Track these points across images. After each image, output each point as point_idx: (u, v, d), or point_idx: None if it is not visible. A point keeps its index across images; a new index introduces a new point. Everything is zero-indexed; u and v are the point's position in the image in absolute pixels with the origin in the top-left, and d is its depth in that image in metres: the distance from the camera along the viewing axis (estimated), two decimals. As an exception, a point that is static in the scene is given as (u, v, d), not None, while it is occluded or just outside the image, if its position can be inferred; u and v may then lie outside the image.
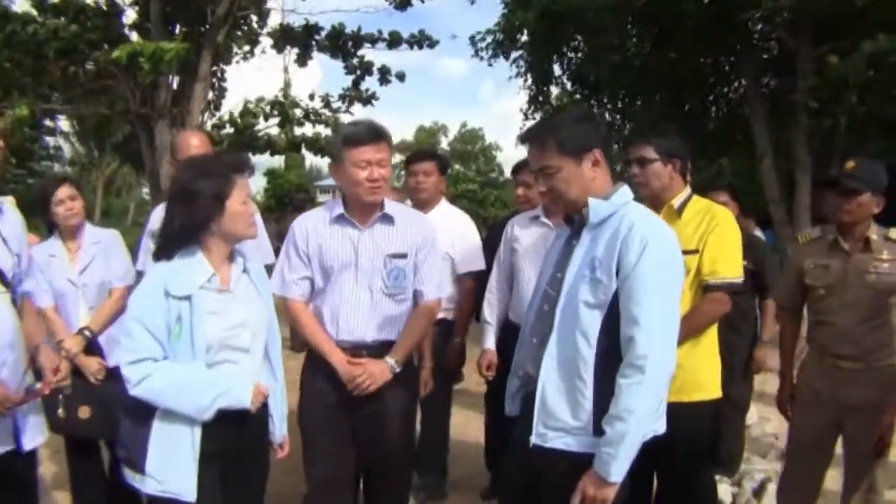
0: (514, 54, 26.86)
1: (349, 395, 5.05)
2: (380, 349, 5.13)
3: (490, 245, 7.08)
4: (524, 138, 4.16)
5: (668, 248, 3.85)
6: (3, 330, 4.68)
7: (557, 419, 3.86)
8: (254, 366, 4.33)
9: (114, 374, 5.53)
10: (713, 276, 5.03)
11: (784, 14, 17.26)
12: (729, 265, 5.07)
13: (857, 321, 5.31)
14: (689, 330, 4.84)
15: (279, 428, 4.62)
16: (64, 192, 6.23)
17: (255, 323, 4.30)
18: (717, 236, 5.07)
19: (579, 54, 25.88)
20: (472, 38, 27.14)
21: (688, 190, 5.36)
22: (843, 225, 5.39)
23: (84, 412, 6.05)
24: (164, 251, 4.17)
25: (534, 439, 3.93)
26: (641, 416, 3.63)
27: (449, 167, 8.14)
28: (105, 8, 18.77)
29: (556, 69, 27.05)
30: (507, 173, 74.55)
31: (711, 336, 5.19)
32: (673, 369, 3.77)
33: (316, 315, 5.24)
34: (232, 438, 4.19)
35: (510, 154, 76.21)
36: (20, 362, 4.81)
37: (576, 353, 3.81)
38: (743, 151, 24.71)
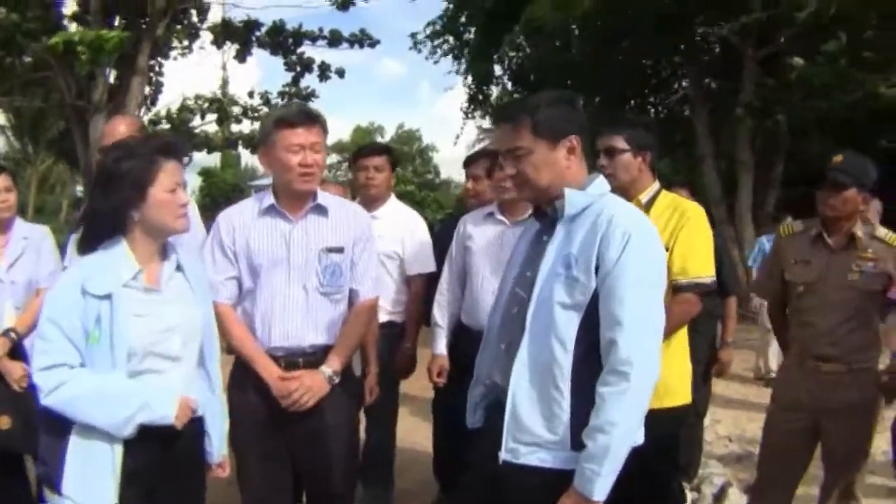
0: (456, 52, 26.88)
1: (284, 409, 4.63)
2: (317, 356, 4.75)
3: (439, 244, 6.74)
4: (497, 115, 3.89)
5: (651, 242, 3.57)
6: None
7: (530, 433, 3.52)
8: (184, 376, 3.88)
9: None
10: (683, 275, 4.77)
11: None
12: (700, 264, 4.82)
13: (838, 321, 5.17)
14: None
15: (217, 447, 4.19)
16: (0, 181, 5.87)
17: (187, 328, 3.88)
18: (688, 233, 4.82)
19: (520, 54, 25.81)
20: (412, 35, 27.13)
21: (656, 184, 5.11)
22: (828, 220, 5.26)
23: (4, 422, 5.60)
24: (86, 243, 3.80)
25: (503, 455, 3.58)
26: (626, 427, 3.34)
27: (399, 163, 7.88)
28: (44, -3, 18.41)
29: (497, 69, 27.00)
30: (444, 175, 74.94)
31: (681, 339, 4.94)
32: (658, 375, 3.49)
33: (245, 320, 4.83)
34: (158, 457, 3.77)
35: (447, 155, 76.10)
36: None
37: (551, 359, 3.48)
38: (683, 153, 24.78)
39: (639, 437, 3.54)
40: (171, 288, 3.89)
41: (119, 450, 3.64)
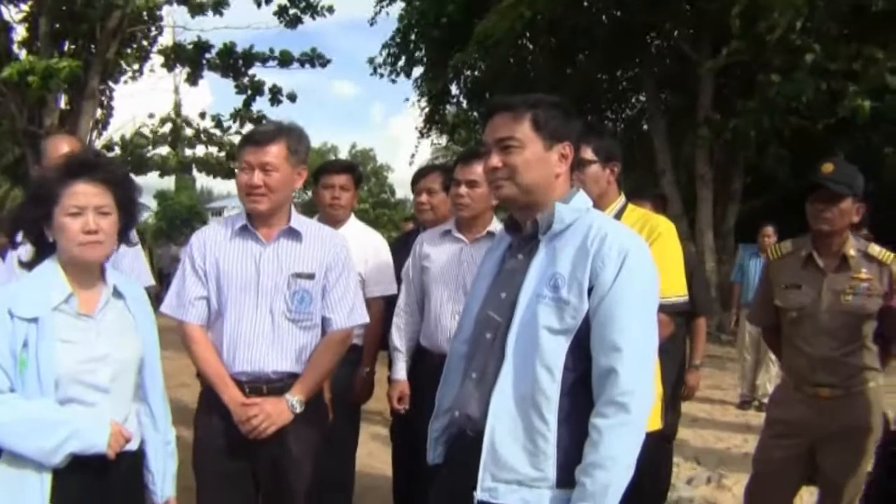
0: (415, 72, 26.85)
1: (246, 436, 4.47)
2: (282, 383, 4.57)
3: (395, 264, 6.51)
4: (496, 104, 3.59)
5: (648, 262, 3.33)
6: None
7: (511, 469, 3.22)
8: (116, 409, 3.65)
9: None
10: None
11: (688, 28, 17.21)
12: (671, 282, 4.56)
13: (834, 347, 4.99)
14: None
15: (160, 486, 3.92)
16: None
17: (120, 359, 3.65)
18: (659, 250, 4.47)
19: (475, 72, 25.72)
20: (370, 60, 27.11)
21: (622, 198, 4.89)
22: (821, 236, 5.06)
23: None
24: (24, 262, 3.70)
25: (480, 495, 3.27)
26: (626, 462, 3.10)
27: (362, 181, 7.59)
28: (-7, 23, 18.37)
29: (453, 88, 26.92)
30: (399, 194, 75.10)
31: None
32: (652, 405, 3.27)
33: (213, 341, 4.66)
34: (91, 487, 3.54)
35: (401, 175, 76.40)
36: None
37: (535, 388, 3.20)
38: (642, 167, 24.76)
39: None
40: (107, 316, 3.69)
41: (48, 479, 3.44)
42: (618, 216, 4.71)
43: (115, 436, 3.55)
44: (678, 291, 4.64)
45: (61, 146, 5.32)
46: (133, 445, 3.72)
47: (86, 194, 3.53)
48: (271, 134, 4.55)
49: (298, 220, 4.72)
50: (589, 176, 4.70)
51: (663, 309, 4.45)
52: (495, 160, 3.43)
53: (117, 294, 3.76)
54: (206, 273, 4.64)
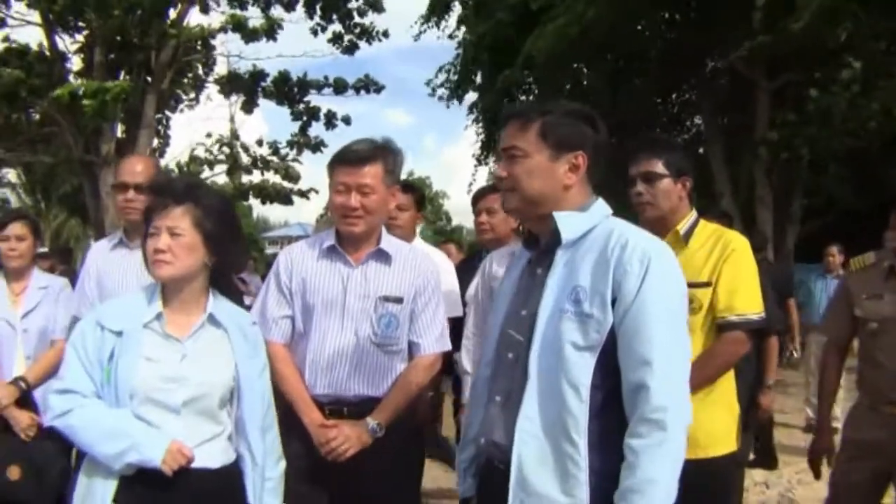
0: (469, 98, 26.82)
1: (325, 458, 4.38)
2: (364, 406, 4.49)
3: (460, 286, 6.44)
4: (507, 113, 3.46)
5: (672, 266, 3.14)
6: None
7: (542, 496, 3.05)
8: (188, 431, 3.63)
9: (49, 433, 4.96)
10: (730, 312, 4.37)
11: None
12: (748, 299, 4.41)
13: None
14: (704, 377, 4.24)
15: None
16: (14, 229, 5.91)
17: (200, 383, 3.65)
18: (734, 266, 4.43)
19: (530, 97, 25.65)
20: (428, 82, 27.17)
21: (694, 213, 4.72)
22: None
23: (13, 473, 5.38)
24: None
25: None
26: (667, 484, 2.88)
27: (426, 201, 7.47)
28: (48, 54, 18.55)
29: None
30: (455, 222, 75.07)
31: (727, 382, 4.57)
32: (690, 421, 3.04)
33: (295, 362, 4.60)
34: (152, 500, 3.56)
35: (456, 202, 76.57)
36: None
37: (562, 409, 3.03)
38: (699, 190, 24.55)
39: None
40: (197, 341, 3.72)
41: (114, 484, 3.54)
42: (689, 232, 4.60)
43: (172, 453, 3.53)
44: (755, 308, 4.46)
45: (137, 165, 5.38)
46: (208, 464, 3.67)
47: (162, 217, 3.63)
48: (368, 154, 4.49)
49: (389, 242, 4.66)
50: (660, 190, 4.59)
51: (740, 326, 4.38)
52: (500, 170, 3.35)
53: (215, 322, 3.78)
54: (291, 292, 4.60)
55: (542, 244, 3.35)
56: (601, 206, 3.30)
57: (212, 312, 3.76)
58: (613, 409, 3.01)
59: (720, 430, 4.47)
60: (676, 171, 4.61)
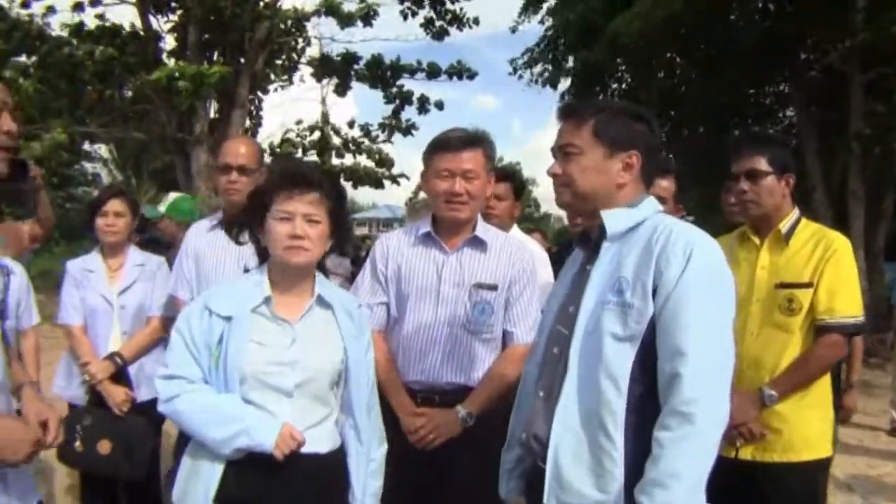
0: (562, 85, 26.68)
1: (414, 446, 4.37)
2: (456, 395, 4.47)
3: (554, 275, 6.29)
4: (562, 111, 3.45)
5: (717, 259, 3.09)
6: None
7: (577, 493, 3.05)
8: (300, 415, 3.64)
9: (141, 409, 5.27)
10: (830, 314, 4.29)
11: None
12: (848, 301, 4.33)
13: None
14: (801, 379, 4.22)
15: (361, 501, 3.82)
16: (112, 205, 6.01)
17: (311, 366, 3.64)
18: (835, 267, 4.34)
19: (623, 85, 25.49)
20: (511, 60, 27.08)
21: (796, 211, 4.63)
22: None
23: (104, 447, 5.46)
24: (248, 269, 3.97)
25: None
26: (690, 481, 2.81)
27: (525, 189, 7.37)
28: (142, 33, 18.76)
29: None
30: (543, 209, 74.65)
31: (823, 386, 4.44)
32: (727, 419, 2.94)
33: (389, 348, 4.64)
34: (255, 488, 3.58)
35: (545, 190, 76.01)
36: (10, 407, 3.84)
37: (599, 402, 3.02)
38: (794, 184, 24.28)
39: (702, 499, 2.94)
40: (307, 323, 3.73)
41: (220, 468, 3.57)
42: (791, 231, 4.53)
43: (284, 437, 3.54)
44: (854, 312, 4.37)
45: (239, 147, 5.39)
46: (318, 449, 3.68)
47: (290, 201, 3.62)
48: (469, 140, 4.50)
49: (485, 230, 4.64)
50: (764, 188, 4.53)
51: (839, 329, 4.30)
52: (555, 167, 3.37)
53: (323, 303, 3.79)
54: (386, 279, 4.62)
55: (592, 241, 3.36)
56: (651, 203, 3.32)
57: (320, 293, 3.77)
58: (652, 406, 2.98)
59: (814, 434, 4.39)
60: (780, 169, 4.55)
